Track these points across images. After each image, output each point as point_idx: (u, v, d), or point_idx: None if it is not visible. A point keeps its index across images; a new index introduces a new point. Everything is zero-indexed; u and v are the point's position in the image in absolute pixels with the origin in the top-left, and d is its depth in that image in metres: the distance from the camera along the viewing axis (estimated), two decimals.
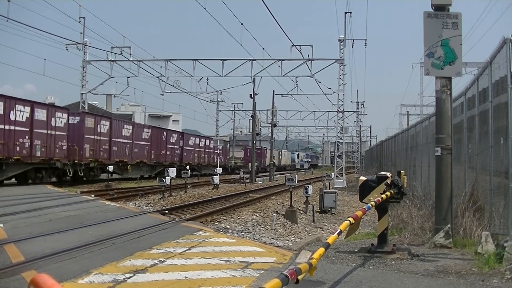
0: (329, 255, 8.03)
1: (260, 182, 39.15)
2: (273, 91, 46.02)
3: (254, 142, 44.56)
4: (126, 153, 33.26)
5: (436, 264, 7.52)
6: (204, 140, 50.47)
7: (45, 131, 24.89)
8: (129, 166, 30.83)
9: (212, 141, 49.97)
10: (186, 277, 6.34)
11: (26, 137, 23.62)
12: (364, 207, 6.69)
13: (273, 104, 45.78)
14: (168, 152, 40.34)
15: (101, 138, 30.24)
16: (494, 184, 8.70)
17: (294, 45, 31.34)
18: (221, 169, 39.74)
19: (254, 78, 36.24)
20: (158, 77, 34.10)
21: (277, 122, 48.56)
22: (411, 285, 6.35)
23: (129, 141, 33.81)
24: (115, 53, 33.54)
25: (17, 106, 23.01)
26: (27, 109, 23.75)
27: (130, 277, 6.27)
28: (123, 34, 35.62)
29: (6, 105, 22.21)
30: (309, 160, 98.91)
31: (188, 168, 32.03)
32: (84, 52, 33.79)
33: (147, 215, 14.14)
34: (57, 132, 25.84)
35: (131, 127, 35.04)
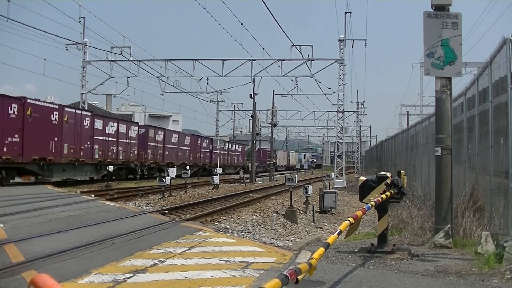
0: (329, 255, 8.03)
1: (260, 182, 39.14)
2: (273, 91, 46.06)
3: (254, 142, 44.57)
4: (174, 156, 41.03)
5: (436, 264, 7.52)
6: (227, 144, 56.73)
7: (124, 141, 33.16)
8: (176, 166, 35.62)
9: (233, 145, 56.61)
10: (186, 277, 6.34)
11: (114, 145, 31.86)
12: (364, 207, 6.69)
13: (273, 104, 45.78)
14: (201, 155, 48.28)
15: (158, 145, 38.56)
16: (494, 184, 8.70)
17: (294, 45, 31.37)
18: (221, 169, 39.85)
19: (254, 78, 36.29)
20: (158, 77, 34.14)
21: (277, 122, 48.55)
22: (411, 285, 6.35)
23: (176, 146, 41.52)
24: (115, 53, 33.61)
25: (109, 122, 31.53)
26: (115, 124, 32.12)
27: (130, 277, 6.27)
28: (123, 34, 35.66)
29: (104, 122, 30.80)
30: (314, 160, 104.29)
31: (217, 168, 38.31)
32: (84, 52, 33.83)
33: (147, 215, 14.14)
34: (131, 141, 34.21)
35: (177, 135, 42.92)
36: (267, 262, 7.42)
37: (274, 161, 52.43)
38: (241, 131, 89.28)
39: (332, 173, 36.89)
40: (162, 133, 39.51)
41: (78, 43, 33.27)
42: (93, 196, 20.46)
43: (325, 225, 15.68)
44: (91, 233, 9.85)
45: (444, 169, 9.60)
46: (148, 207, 18.19)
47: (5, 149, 21.93)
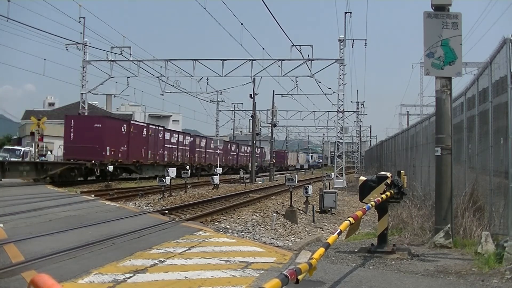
0: (329, 255, 8.02)
1: (260, 182, 39.13)
2: (273, 91, 46.03)
3: (254, 142, 44.55)
4: (212, 159, 50.15)
5: (436, 264, 7.52)
6: (244, 147, 63.49)
7: (182, 147, 43.13)
8: (212, 167, 45.60)
9: (248, 147, 60.58)
10: (186, 277, 6.34)
11: (175, 151, 41.63)
12: (364, 207, 6.69)
13: (273, 104, 45.77)
14: (230, 157, 57.04)
15: (201, 149, 48.59)
16: (494, 184, 8.71)
17: (294, 45, 31.33)
18: (221, 169, 39.83)
19: (254, 78, 36.25)
20: (158, 77, 34.11)
21: (277, 122, 48.54)
22: (411, 285, 6.35)
23: (213, 151, 49.30)
24: (115, 53, 33.56)
25: (173, 134, 41.77)
26: (176, 135, 42.34)
27: (130, 277, 6.27)
28: (123, 34, 35.56)
29: (170, 134, 40.71)
30: (320, 160, 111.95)
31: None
32: (84, 52, 33.80)
33: (147, 215, 14.14)
34: (185, 147, 44.20)
35: (211, 141, 50.37)
36: (267, 262, 7.42)
37: (274, 161, 52.39)
38: (241, 131, 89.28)
39: (332, 173, 36.87)
40: (204, 140, 49.87)
41: (78, 43, 33.25)
42: (93, 196, 20.47)
43: (325, 225, 15.68)
44: (91, 233, 9.85)
45: (444, 169, 9.60)
46: (148, 207, 18.18)
47: (119, 155, 32.05)
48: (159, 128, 39.21)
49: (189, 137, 45.83)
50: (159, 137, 38.20)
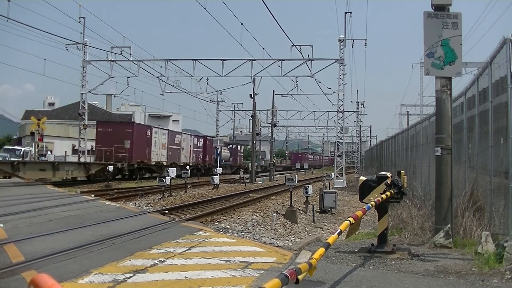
0: (329, 255, 8.02)
1: (260, 182, 39.12)
2: (273, 91, 46.05)
3: (254, 142, 44.55)
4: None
5: (436, 264, 7.52)
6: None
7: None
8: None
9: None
10: (186, 277, 6.34)
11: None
12: (364, 207, 6.69)
13: (273, 104, 45.78)
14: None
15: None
16: (494, 184, 8.71)
17: (294, 45, 31.33)
18: (221, 169, 39.80)
19: (254, 78, 36.25)
20: (158, 77, 34.10)
21: (277, 122, 48.54)
22: (411, 285, 6.35)
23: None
24: (115, 53, 33.56)
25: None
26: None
27: (130, 277, 6.27)
28: (123, 34, 35.63)
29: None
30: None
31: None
32: (84, 52, 33.80)
33: (147, 215, 14.13)
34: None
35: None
36: (267, 262, 7.42)
37: (274, 161, 52.38)
38: (241, 131, 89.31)
39: (332, 173, 36.86)
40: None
41: (78, 43, 33.25)
42: (93, 196, 20.47)
43: (325, 225, 15.68)
44: (91, 233, 9.85)
45: (444, 169, 9.60)
46: (148, 207, 18.18)
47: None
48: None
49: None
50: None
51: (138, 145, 35.55)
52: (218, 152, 43.86)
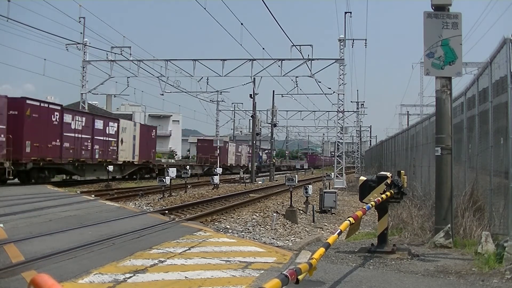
0: (329, 255, 8.02)
1: (260, 182, 39.12)
2: (273, 91, 46.03)
3: (254, 142, 44.54)
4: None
5: (436, 264, 7.52)
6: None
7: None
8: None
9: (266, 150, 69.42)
10: (186, 277, 6.34)
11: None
12: (364, 207, 6.69)
13: (273, 104, 45.76)
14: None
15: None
16: (494, 184, 8.70)
17: (294, 45, 31.35)
18: (221, 169, 39.85)
19: (254, 78, 36.27)
20: (158, 77, 34.12)
21: (277, 122, 48.52)
22: (411, 285, 6.35)
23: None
24: (115, 53, 33.59)
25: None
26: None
27: (130, 277, 6.27)
28: (123, 34, 35.71)
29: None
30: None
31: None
32: (84, 52, 33.81)
33: (147, 215, 14.13)
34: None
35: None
36: (267, 262, 7.42)
37: (274, 161, 52.38)
38: (241, 131, 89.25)
39: (332, 173, 36.87)
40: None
41: (78, 43, 33.26)
42: (93, 196, 20.46)
43: (325, 225, 15.68)
44: (91, 233, 9.85)
45: (444, 169, 9.59)
46: (148, 207, 18.18)
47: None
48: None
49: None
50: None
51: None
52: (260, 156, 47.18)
